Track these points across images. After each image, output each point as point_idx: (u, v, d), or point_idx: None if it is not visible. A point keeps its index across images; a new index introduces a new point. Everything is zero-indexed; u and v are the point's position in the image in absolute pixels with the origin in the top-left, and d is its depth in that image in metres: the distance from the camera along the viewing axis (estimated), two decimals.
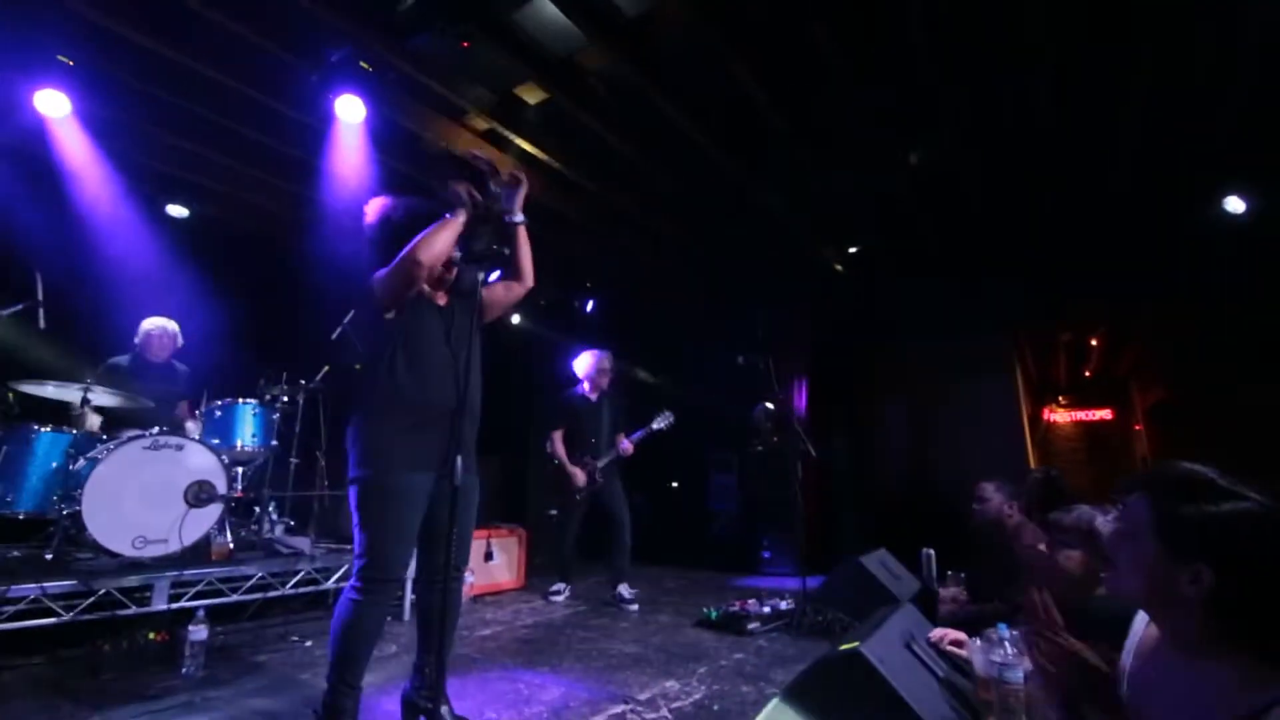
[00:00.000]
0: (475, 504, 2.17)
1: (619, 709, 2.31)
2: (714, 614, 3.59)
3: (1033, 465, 5.71)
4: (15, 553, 3.24)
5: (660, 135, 4.14)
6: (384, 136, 4.06)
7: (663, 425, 4.52)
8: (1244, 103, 3.63)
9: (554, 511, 6.78)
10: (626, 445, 4.47)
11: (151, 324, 3.89)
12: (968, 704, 1.71)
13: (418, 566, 2.24)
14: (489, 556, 4.53)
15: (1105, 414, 9.02)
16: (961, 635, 1.90)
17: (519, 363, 7.09)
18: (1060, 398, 9.22)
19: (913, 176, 4.53)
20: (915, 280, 6.09)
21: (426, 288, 2.13)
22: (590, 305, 6.91)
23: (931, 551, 4.27)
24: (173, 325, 3.96)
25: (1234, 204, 4.61)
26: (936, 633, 2.01)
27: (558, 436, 4.40)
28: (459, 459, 1.89)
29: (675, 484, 6.41)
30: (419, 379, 1.99)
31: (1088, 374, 8.93)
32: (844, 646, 1.69)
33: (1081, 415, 9.17)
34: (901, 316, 6.12)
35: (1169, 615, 0.91)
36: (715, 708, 2.34)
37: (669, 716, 2.25)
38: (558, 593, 4.32)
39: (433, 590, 2.10)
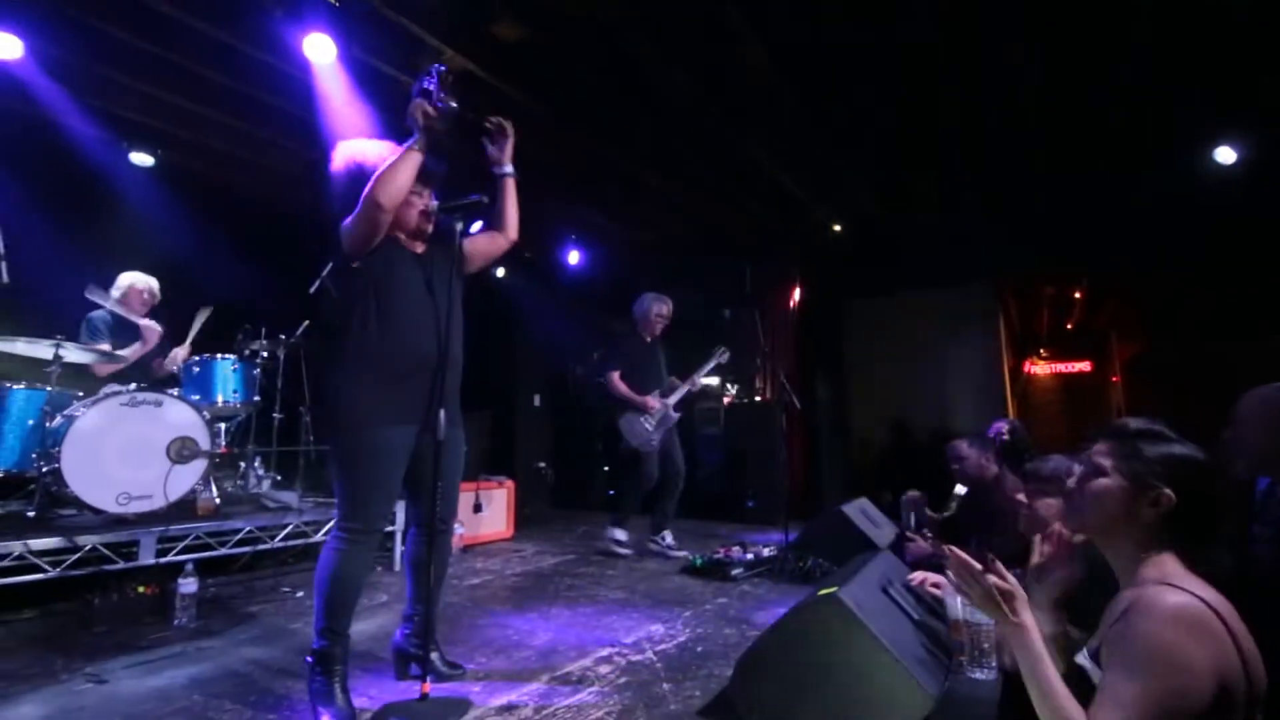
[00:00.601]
0: (461, 455, 2.17)
1: (605, 651, 2.38)
2: (699, 561, 3.68)
3: (1011, 417, 5.82)
4: None
5: (643, 80, 3.98)
6: (357, 78, 3.86)
7: (724, 359, 4.47)
8: (1236, 55, 3.55)
9: (542, 464, 6.85)
10: (698, 380, 4.42)
11: (133, 278, 3.77)
12: (940, 643, 1.78)
13: (406, 518, 2.25)
14: (478, 508, 4.58)
15: (1084, 366, 9.12)
16: (940, 579, 1.96)
17: (505, 315, 7.02)
18: (1041, 350, 9.31)
19: (904, 135, 4.43)
20: (903, 232, 6.04)
21: (403, 236, 2.07)
22: (576, 257, 6.81)
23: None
24: (155, 282, 3.85)
25: (1224, 154, 4.56)
26: (917, 576, 2.08)
27: (616, 376, 4.27)
28: (441, 412, 1.88)
29: None
30: (395, 330, 1.95)
31: (1069, 326, 9.00)
32: (823, 591, 1.74)
33: (1061, 368, 9.26)
34: (889, 269, 6.09)
35: (1121, 537, 1.14)
36: (699, 649, 2.42)
37: (654, 658, 2.32)
38: (621, 543, 4.17)
39: (422, 541, 2.12)
